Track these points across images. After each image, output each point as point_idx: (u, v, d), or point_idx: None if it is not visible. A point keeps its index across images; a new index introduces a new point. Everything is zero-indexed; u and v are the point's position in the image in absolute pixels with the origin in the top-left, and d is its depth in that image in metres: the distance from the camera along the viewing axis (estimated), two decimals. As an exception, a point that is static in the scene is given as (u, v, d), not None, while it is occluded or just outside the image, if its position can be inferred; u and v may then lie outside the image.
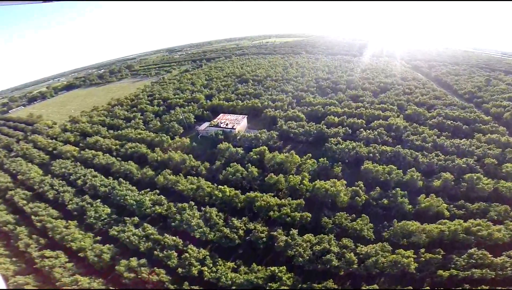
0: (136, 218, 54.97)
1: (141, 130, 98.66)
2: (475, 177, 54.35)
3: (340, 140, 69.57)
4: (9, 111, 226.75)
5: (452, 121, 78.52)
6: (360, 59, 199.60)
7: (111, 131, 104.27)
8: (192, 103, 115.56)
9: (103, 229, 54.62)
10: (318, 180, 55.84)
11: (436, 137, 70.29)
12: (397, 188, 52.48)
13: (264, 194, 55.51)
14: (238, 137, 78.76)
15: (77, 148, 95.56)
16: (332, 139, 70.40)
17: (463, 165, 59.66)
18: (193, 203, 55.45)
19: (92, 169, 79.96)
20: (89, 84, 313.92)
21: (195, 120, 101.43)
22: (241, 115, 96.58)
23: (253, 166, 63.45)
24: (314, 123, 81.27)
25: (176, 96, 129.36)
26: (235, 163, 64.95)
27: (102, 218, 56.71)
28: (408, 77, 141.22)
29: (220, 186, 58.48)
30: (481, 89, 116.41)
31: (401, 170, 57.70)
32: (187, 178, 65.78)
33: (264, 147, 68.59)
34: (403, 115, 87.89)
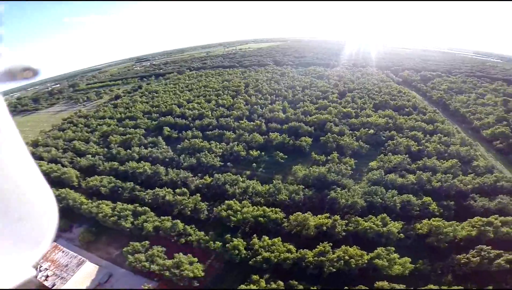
0: None
1: None
2: None
3: None
4: None
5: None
6: (337, 71, 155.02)
7: None
8: (54, 189, 64.68)
9: None
10: None
11: None
12: None
13: None
14: None
15: None
16: None
17: None
18: None
19: None
20: (19, 110, 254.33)
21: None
22: (78, 258, 45.74)
23: None
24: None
25: (48, 168, 77.28)
26: None
27: None
28: (405, 105, 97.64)
29: None
30: (510, 122, 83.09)
31: None
32: None
33: None
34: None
